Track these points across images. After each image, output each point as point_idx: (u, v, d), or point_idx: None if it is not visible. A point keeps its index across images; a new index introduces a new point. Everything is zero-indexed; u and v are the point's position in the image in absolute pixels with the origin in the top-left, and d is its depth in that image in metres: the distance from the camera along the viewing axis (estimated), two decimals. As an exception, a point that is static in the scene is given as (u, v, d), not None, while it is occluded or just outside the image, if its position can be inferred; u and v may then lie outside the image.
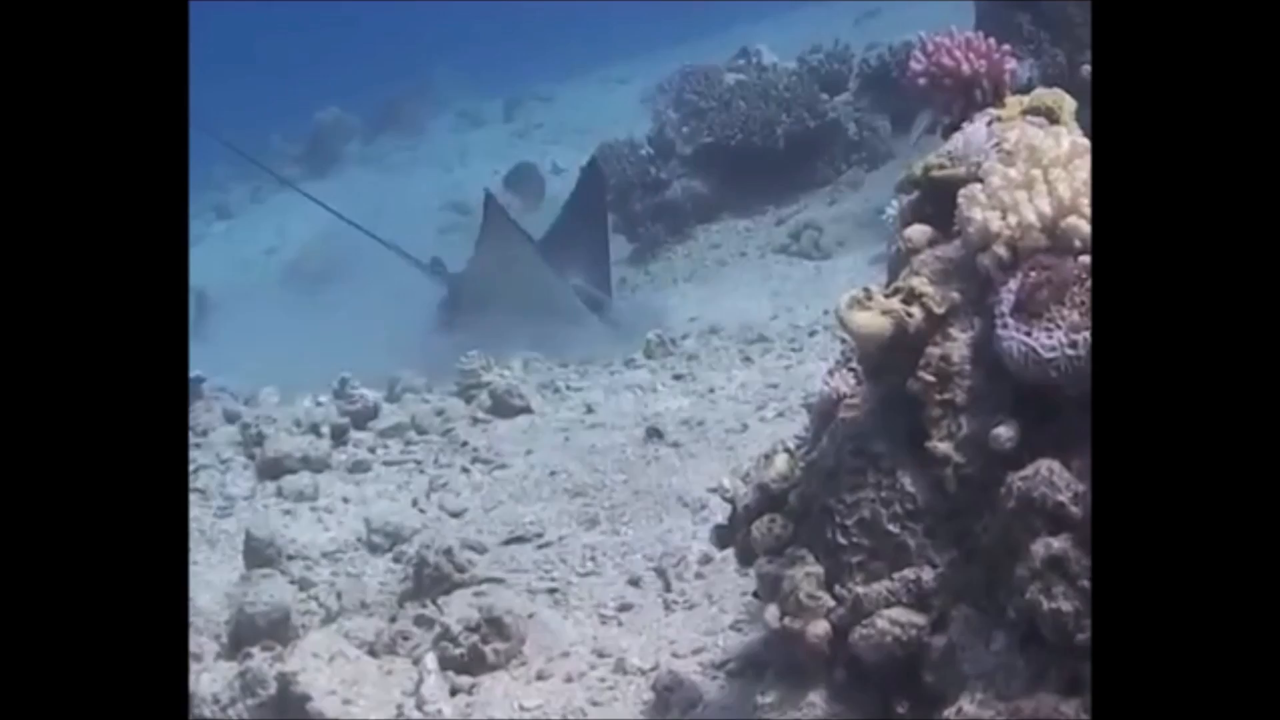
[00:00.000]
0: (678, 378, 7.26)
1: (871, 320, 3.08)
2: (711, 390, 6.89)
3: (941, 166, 3.44)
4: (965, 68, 3.63)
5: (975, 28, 8.50)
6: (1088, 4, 7.59)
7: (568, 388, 7.54)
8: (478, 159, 17.26)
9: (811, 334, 7.48)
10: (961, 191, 3.09)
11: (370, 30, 31.60)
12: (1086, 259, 2.87)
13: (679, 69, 12.51)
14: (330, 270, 11.24)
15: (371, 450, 6.90)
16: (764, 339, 7.62)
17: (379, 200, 12.48)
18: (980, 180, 3.07)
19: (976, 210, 3.02)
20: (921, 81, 3.70)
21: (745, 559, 3.65)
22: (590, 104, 18.87)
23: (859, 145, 10.83)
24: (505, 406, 7.17)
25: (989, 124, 3.55)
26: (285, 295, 11.51)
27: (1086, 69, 7.70)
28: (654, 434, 6.31)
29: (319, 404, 7.40)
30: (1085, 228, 2.91)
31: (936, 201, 3.41)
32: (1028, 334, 2.81)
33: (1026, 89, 7.42)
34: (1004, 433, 2.90)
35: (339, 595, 5.08)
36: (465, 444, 6.75)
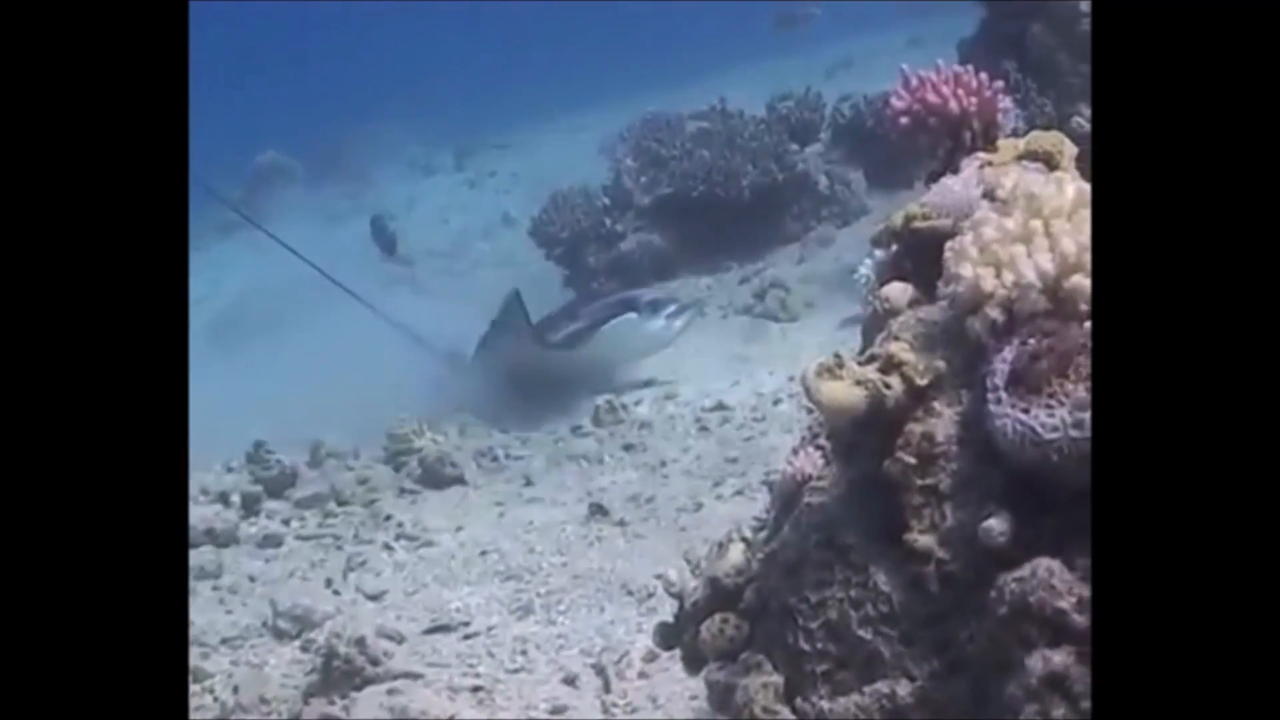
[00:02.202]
0: (628, 448, 6.99)
1: (843, 392, 2.79)
2: (664, 463, 6.63)
3: (925, 217, 3.18)
4: (953, 105, 3.38)
5: (957, 75, 8.50)
6: (1076, 52, 7.48)
7: (507, 456, 7.27)
8: (426, 209, 17.06)
9: (776, 403, 7.22)
10: (949, 245, 2.80)
11: (318, 70, 31.51)
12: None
13: (640, 115, 12.28)
14: (262, 323, 10.94)
15: (285, 522, 6.64)
16: (724, 407, 7.35)
17: (318, 250, 12.19)
18: (971, 232, 2.78)
19: (966, 266, 2.73)
20: (904, 121, 3.45)
21: (693, 663, 3.35)
22: (547, 152, 18.69)
23: (830, 199, 10.61)
24: (437, 476, 6.90)
25: (980, 169, 3.29)
26: (205, 349, 11.16)
27: (1077, 119, 7.56)
28: (598, 511, 6.05)
29: (230, 470, 7.08)
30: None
31: (919, 256, 3.14)
32: (1025, 411, 2.53)
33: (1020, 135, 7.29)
34: (996, 525, 2.61)
35: (236, 689, 4.80)
36: (389, 518, 6.47)
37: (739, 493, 6.00)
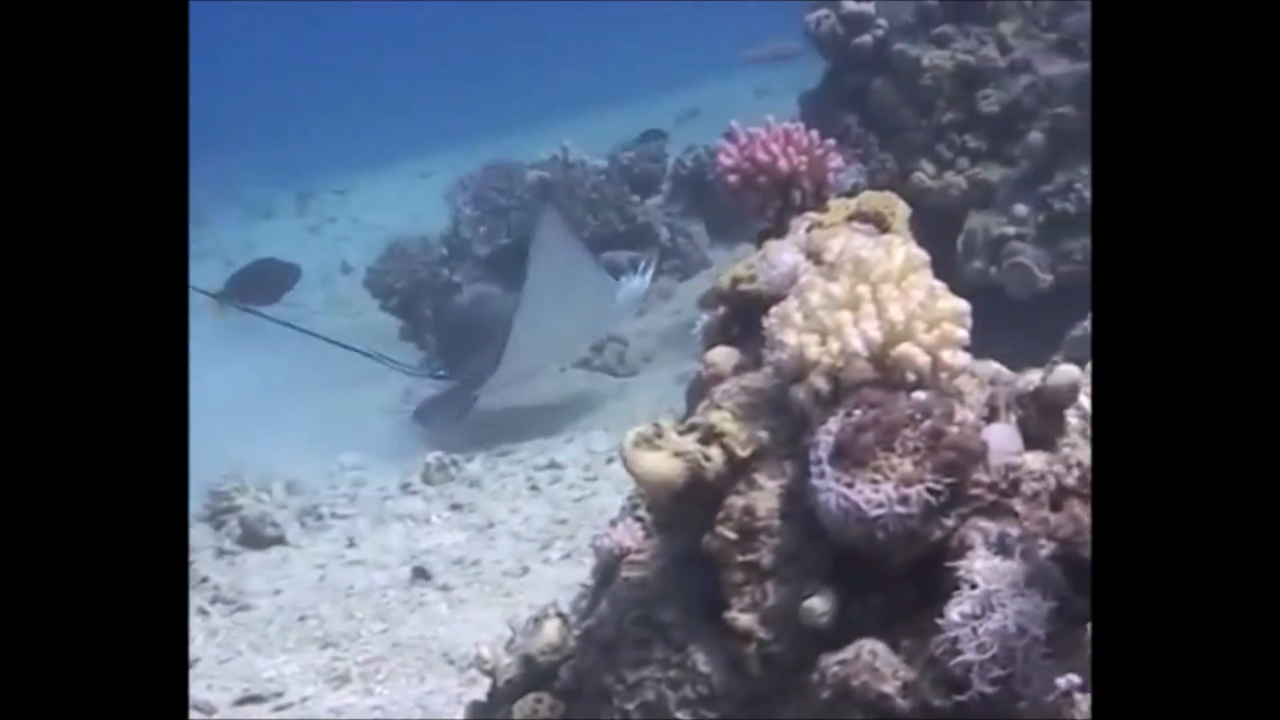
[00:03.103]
0: (455, 508, 6.82)
1: (661, 464, 2.68)
2: (491, 524, 6.48)
3: (752, 279, 3.08)
4: (783, 164, 3.29)
5: (798, 130, 8.49)
6: (918, 106, 7.47)
7: (332, 515, 7.06)
8: (264, 255, 16.63)
9: (609, 461, 7.10)
10: (773, 311, 2.71)
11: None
12: (921, 396, 2.52)
13: (482, 163, 12.13)
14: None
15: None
16: (556, 465, 7.22)
17: None
18: (796, 298, 2.69)
19: (790, 333, 2.64)
20: (732, 179, 3.36)
21: (506, 745, 3.19)
22: (389, 198, 18.43)
23: (671, 252, 10.55)
24: (257, 537, 6.68)
25: (809, 230, 3.21)
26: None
27: (919, 174, 7.58)
28: (421, 575, 5.87)
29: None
30: (920, 358, 2.56)
31: (745, 320, 3.05)
32: (849, 486, 2.44)
33: (853, 194, 7.26)
34: (818, 605, 2.51)
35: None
36: (205, 580, 6.23)
37: (567, 556, 5.88)
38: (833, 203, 3.31)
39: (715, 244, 10.50)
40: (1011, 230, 7.11)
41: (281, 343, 10.37)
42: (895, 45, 7.73)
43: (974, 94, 7.53)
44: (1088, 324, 6.53)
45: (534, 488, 6.95)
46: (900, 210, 3.25)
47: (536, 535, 6.24)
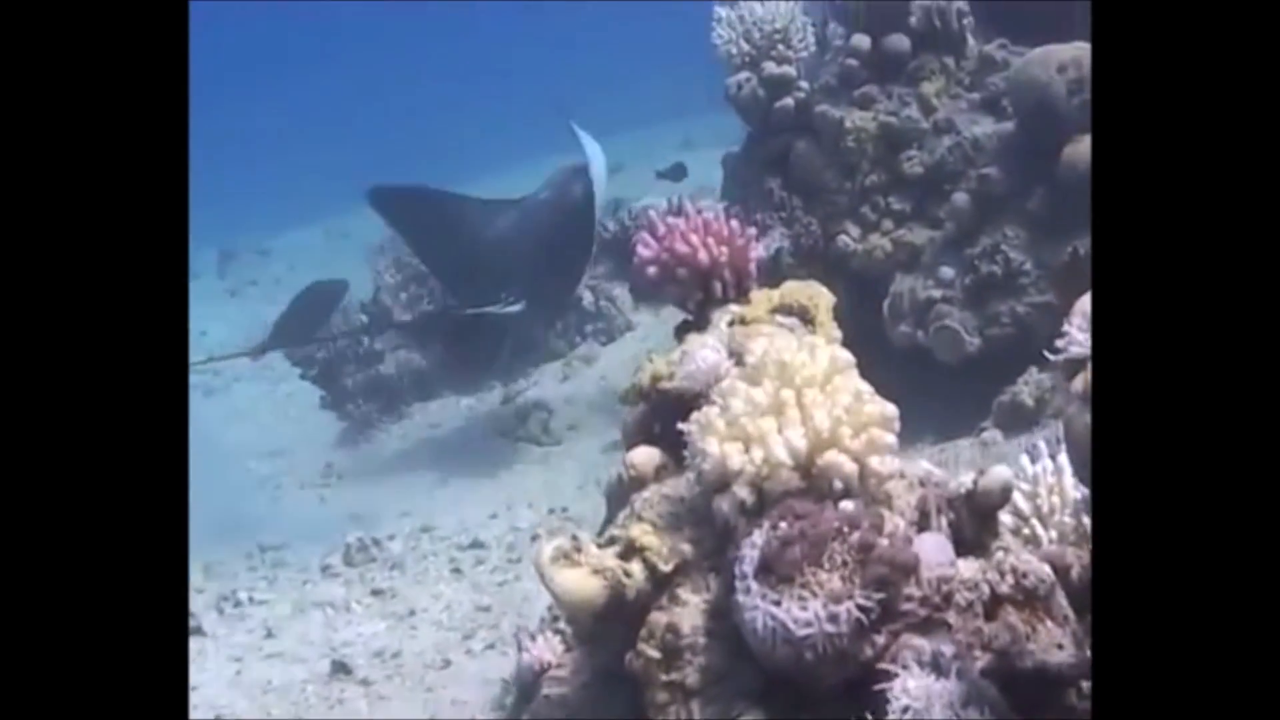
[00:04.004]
0: (376, 593, 6.64)
1: (581, 583, 2.59)
2: (413, 612, 6.30)
3: (672, 376, 2.99)
4: (703, 256, 3.22)
5: (721, 193, 8.46)
6: (842, 170, 7.45)
7: (251, 600, 6.86)
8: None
9: (534, 539, 6.95)
10: (694, 417, 2.63)
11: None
12: (848, 505, 2.44)
13: (403, 225, 11.94)
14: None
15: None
16: (479, 544, 7.06)
17: None
18: (718, 403, 2.60)
19: (712, 441, 2.56)
20: (651, 271, 3.28)
21: None
22: (311, 260, 18.14)
23: (595, 315, 10.44)
24: (173, 627, 6.45)
25: (730, 324, 3.14)
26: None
27: (843, 238, 7.55)
28: (341, 669, 5.70)
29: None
30: (847, 466, 2.49)
31: (667, 418, 2.97)
32: (776, 604, 2.36)
33: (775, 260, 7.21)
34: (747, 728, 2.41)
35: None
36: (117, 677, 5.98)
37: (490, 646, 5.72)
38: (755, 295, 3.24)
39: (639, 306, 10.40)
40: (938, 293, 7.08)
41: (200, 410, 10.23)
42: (818, 107, 7.71)
43: (898, 155, 7.52)
44: (1017, 389, 6.51)
45: (456, 570, 6.79)
46: (824, 301, 3.18)
47: (459, 624, 6.07)
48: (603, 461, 7.95)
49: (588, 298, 10.42)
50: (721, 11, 7.98)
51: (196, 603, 6.70)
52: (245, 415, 11.37)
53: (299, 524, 8.22)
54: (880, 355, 7.14)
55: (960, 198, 7.16)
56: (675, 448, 2.84)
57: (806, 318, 3.13)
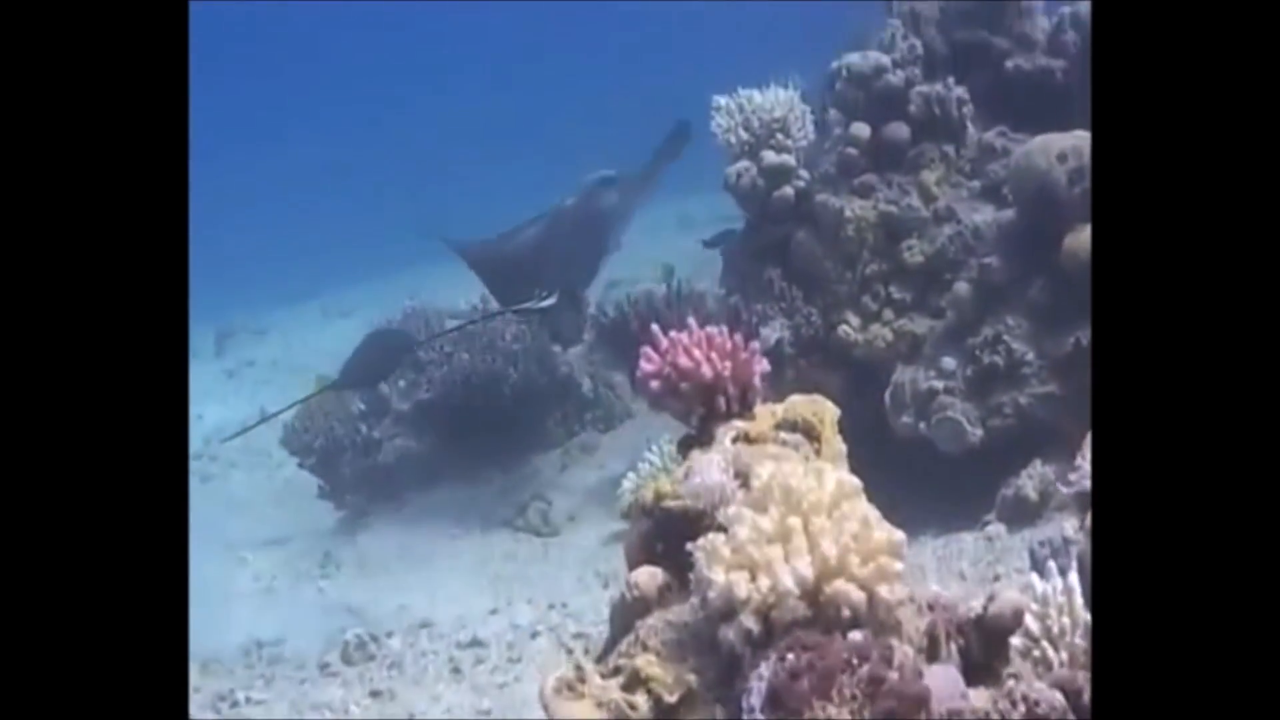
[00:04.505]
0: (375, 694, 6.56)
1: (585, 715, 2.53)
2: (412, 716, 6.24)
3: (676, 495, 2.96)
4: (706, 370, 3.19)
5: (720, 282, 8.46)
6: (841, 259, 7.45)
7: (248, 700, 6.80)
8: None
9: (534, 636, 6.90)
10: (699, 543, 2.58)
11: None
12: (858, 636, 2.40)
13: (402, 308, 11.90)
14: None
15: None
16: (478, 643, 6.98)
17: None
18: (723, 530, 2.57)
19: (718, 569, 2.52)
20: (654, 385, 3.25)
21: None
22: (307, 339, 18.13)
23: (594, 403, 10.43)
24: (168, 728, 6.38)
25: (735, 440, 3.11)
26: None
27: (844, 327, 7.55)
28: (339, 776, 5.65)
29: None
30: (855, 594, 2.45)
31: (672, 537, 2.92)
32: (785, 739, 2.31)
33: (776, 351, 7.18)
34: None
35: None
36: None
37: (490, 755, 5.68)
38: (759, 410, 3.21)
39: (638, 393, 10.35)
40: (940, 384, 7.08)
41: (196, 498, 10.15)
42: (817, 196, 7.75)
43: (898, 244, 7.55)
44: (1020, 482, 6.49)
45: (456, 670, 6.71)
46: (829, 416, 3.15)
47: (459, 729, 6.04)
48: (602, 554, 7.92)
49: (587, 384, 10.41)
50: (721, 100, 8.01)
51: (193, 702, 6.63)
52: (242, 504, 11.29)
53: (296, 617, 8.15)
54: (882, 446, 7.15)
55: (961, 287, 7.17)
56: (679, 567, 2.80)
57: (812, 434, 3.10)
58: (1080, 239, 6.61)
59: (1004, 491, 6.55)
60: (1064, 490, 5.73)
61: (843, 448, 3.21)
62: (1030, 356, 6.85)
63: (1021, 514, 6.42)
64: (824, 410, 3.16)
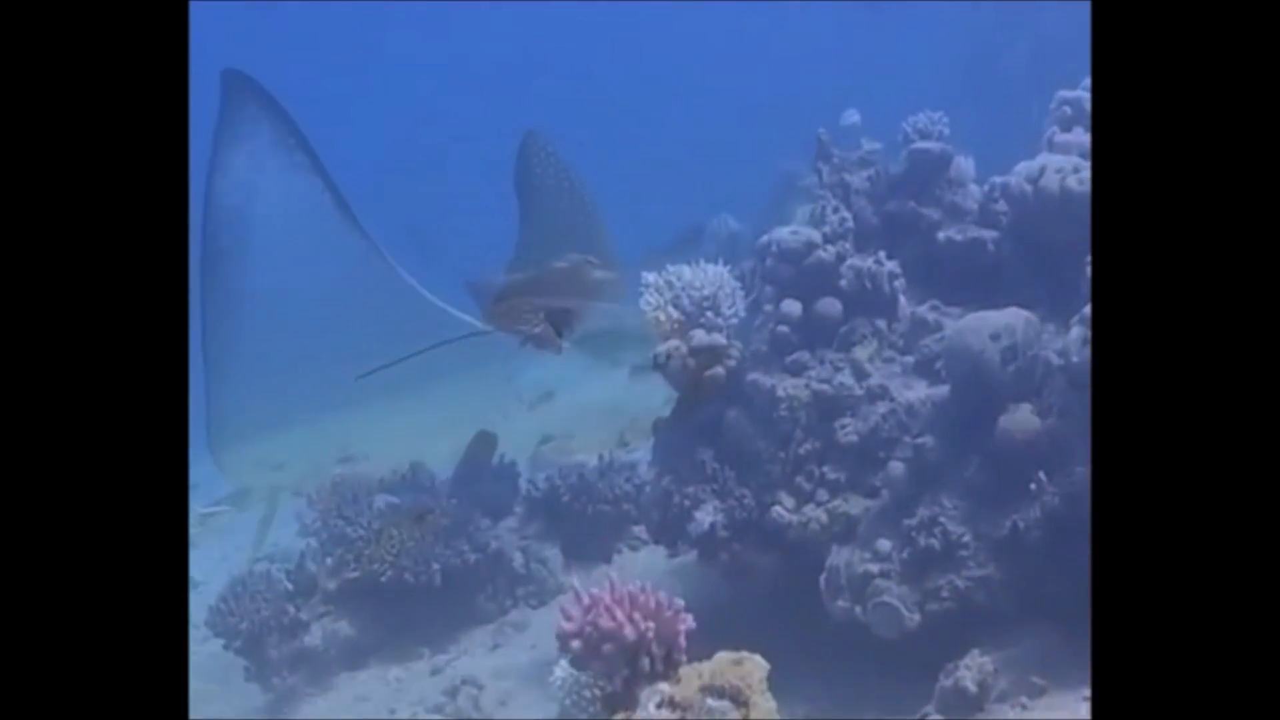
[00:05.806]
0: None
1: None
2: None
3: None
4: (629, 631, 3.11)
5: (652, 461, 8.38)
6: (775, 439, 7.40)
7: None
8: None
9: None
10: None
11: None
12: None
13: (330, 478, 11.71)
14: None
15: None
16: None
17: None
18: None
19: None
20: (575, 644, 3.16)
21: None
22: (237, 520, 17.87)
23: (525, 578, 10.26)
24: None
25: (658, 706, 3.01)
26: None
27: (778, 509, 7.47)
28: None
29: None
30: None
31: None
32: None
33: (709, 537, 7.09)
34: None
35: None
36: None
37: None
38: (685, 671, 3.12)
39: (570, 566, 10.23)
40: (875, 567, 7.01)
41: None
42: (749, 375, 7.71)
43: (832, 423, 7.50)
44: (960, 674, 6.40)
45: None
46: (756, 679, 3.07)
47: None
48: (534, 745, 7.77)
49: (518, 559, 10.27)
50: (649, 277, 7.96)
51: None
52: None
53: None
54: (819, 631, 7.06)
55: (896, 466, 7.14)
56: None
57: (739, 699, 3.01)
58: (1015, 419, 6.61)
59: (943, 682, 6.45)
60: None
61: (772, 705, 3.12)
62: (968, 539, 6.79)
63: (961, 705, 6.33)
64: (751, 673, 3.08)
